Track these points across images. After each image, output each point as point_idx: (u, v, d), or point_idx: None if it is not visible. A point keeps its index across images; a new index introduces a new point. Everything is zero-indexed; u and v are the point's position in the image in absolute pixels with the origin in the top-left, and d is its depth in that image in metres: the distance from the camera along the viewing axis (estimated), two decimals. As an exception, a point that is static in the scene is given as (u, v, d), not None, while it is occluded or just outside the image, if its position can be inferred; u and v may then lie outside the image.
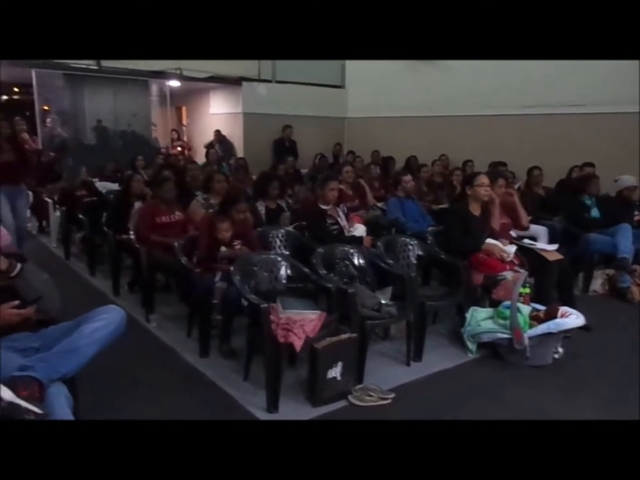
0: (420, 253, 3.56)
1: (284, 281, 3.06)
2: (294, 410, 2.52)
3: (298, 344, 2.47)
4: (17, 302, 1.95)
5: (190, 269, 3.21)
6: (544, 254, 3.60)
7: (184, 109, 11.25)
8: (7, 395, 1.55)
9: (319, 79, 9.30)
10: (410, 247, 3.56)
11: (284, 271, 3.08)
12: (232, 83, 8.88)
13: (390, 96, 8.63)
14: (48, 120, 7.81)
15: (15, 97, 12.11)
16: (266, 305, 2.52)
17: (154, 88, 9.08)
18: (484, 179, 3.57)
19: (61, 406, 1.68)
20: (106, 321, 1.93)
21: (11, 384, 1.60)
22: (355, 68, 9.42)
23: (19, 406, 1.54)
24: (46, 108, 8.56)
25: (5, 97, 11.91)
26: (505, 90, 7.09)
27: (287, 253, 3.49)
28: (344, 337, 2.61)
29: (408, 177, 4.63)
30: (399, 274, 3.18)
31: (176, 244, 3.38)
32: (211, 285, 2.99)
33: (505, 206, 3.81)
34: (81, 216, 4.90)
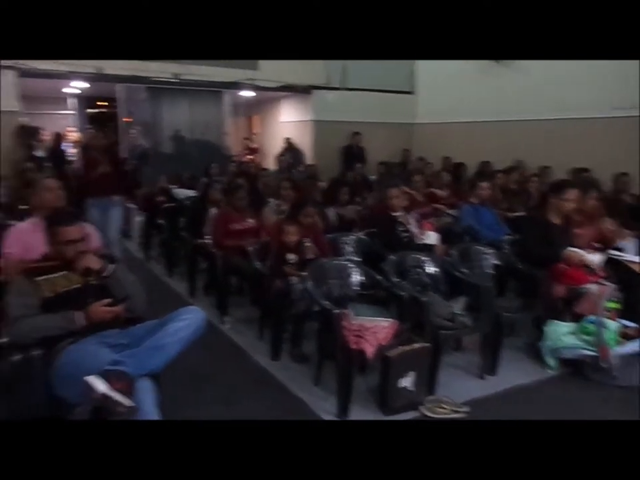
0: (496, 262, 3.44)
1: (355, 288, 3.06)
2: (364, 417, 2.51)
3: (370, 351, 2.46)
4: (108, 300, 2.09)
5: (263, 273, 3.29)
6: (633, 266, 3.36)
7: (255, 118, 11.59)
8: (102, 387, 1.65)
9: (388, 85, 9.26)
10: (485, 255, 3.45)
11: (355, 277, 3.08)
12: (302, 91, 9.04)
13: (461, 100, 8.43)
14: (131, 131, 8.30)
15: (100, 110, 13.00)
16: (338, 311, 2.53)
17: (227, 98, 9.42)
18: (573, 194, 3.36)
19: (148, 401, 1.77)
20: (188, 321, 2.01)
21: (104, 377, 1.71)
22: (426, 72, 9.29)
23: (112, 398, 1.63)
24: (128, 120, 9.13)
25: (90, 111, 12.82)
26: (586, 91, 6.69)
27: (358, 259, 3.49)
28: (417, 347, 2.56)
29: (485, 184, 4.47)
30: (474, 283, 3.09)
31: (250, 249, 3.48)
32: (284, 290, 3.04)
33: (589, 214, 3.60)
34: (160, 221, 5.16)
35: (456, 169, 7.08)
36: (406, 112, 9.54)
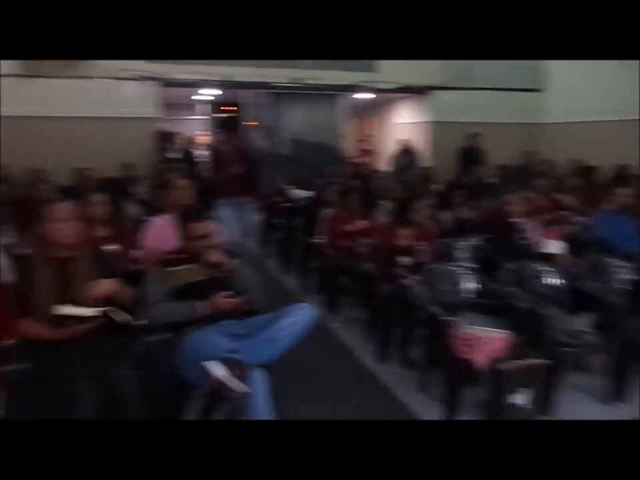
0: (632, 277, 3.10)
1: (468, 295, 2.95)
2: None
3: (480, 362, 2.36)
4: (229, 292, 2.25)
5: (372, 275, 3.30)
6: None
7: (370, 120, 11.66)
8: (220, 372, 1.79)
9: (512, 83, 8.77)
10: (618, 269, 3.12)
11: (469, 284, 2.96)
12: (419, 92, 8.91)
13: (593, 99, 7.70)
14: (253, 135, 8.80)
15: (227, 114, 13.95)
16: (449, 318, 2.47)
17: (343, 101, 9.60)
18: None
19: (261, 390, 1.88)
20: (301, 317, 2.10)
21: (222, 363, 1.84)
22: (555, 70, 8.65)
23: (228, 383, 1.76)
24: (251, 123, 9.70)
25: (218, 115, 13.81)
26: None
27: (473, 265, 3.36)
28: (535, 362, 2.40)
29: (626, 190, 4.04)
30: (603, 299, 2.82)
31: (361, 250, 3.52)
32: (394, 293, 3.03)
33: None
34: (277, 220, 5.41)
35: (586, 172, 6.49)
36: (528, 112, 8.96)
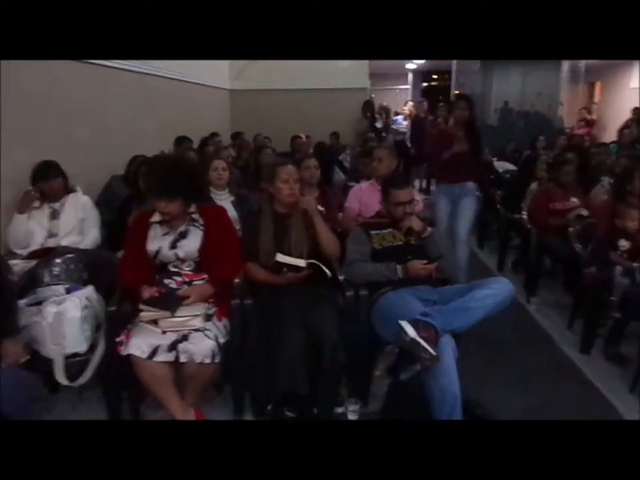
0: None
1: None
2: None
3: None
4: (424, 261, 2.30)
5: (583, 258, 3.00)
6: None
7: (598, 85, 10.22)
8: (412, 332, 1.87)
9: None
10: None
11: None
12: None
13: None
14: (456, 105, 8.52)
15: (433, 83, 13.70)
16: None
17: (566, 65, 8.59)
18: None
19: (449, 355, 1.91)
20: (497, 290, 2.05)
21: (414, 325, 1.92)
22: None
23: (419, 344, 1.84)
24: (457, 92, 9.36)
25: (425, 84, 13.65)
26: None
27: None
28: None
29: None
30: None
31: (571, 229, 3.21)
32: (608, 279, 2.72)
33: None
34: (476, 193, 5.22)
35: None
36: None
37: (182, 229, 2.21)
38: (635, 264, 2.56)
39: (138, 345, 1.94)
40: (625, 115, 8.19)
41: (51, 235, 2.73)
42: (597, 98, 10.24)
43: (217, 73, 6.95)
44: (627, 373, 2.58)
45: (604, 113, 9.77)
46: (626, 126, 7.55)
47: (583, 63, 8.47)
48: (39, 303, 2.16)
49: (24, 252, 2.64)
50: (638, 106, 7.89)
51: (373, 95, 8.53)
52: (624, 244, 2.79)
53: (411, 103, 10.38)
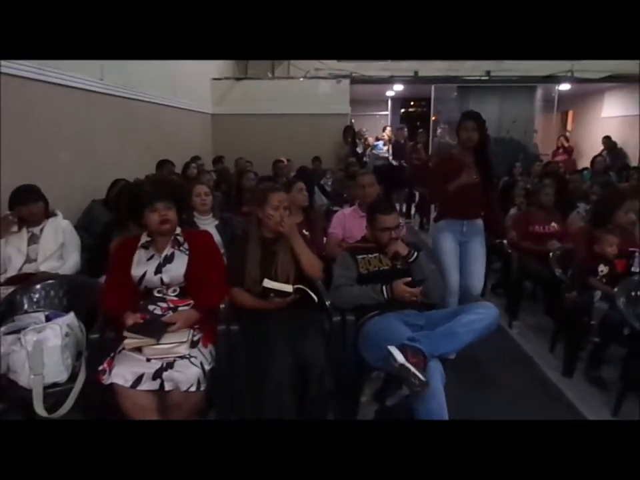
0: None
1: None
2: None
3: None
4: (409, 279, 2.31)
5: (563, 282, 3.06)
6: None
7: (570, 113, 10.58)
8: (400, 358, 1.87)
9: None
10: None
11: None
12: (634, 81, 7.79)
13: None
14: (438, 130, 8.71)
15: (411, 109, 13.99)
16: (657, 338, 2.18)
17: (540, 93, 8.88)
18: None
19: (437, 380, 1.91)
20: (483, 315, 2.06)
21: (402, 350, 1.92)
22: None
23: (408, 369, 1.83)
24: (434, 118, 9.58)
25: (403, 110, 13.92)
26: None
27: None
28: None
29: None
30: None
31: (551, 254, 3.28)
32: (588, 304, 2.77)
33: None
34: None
35: None
36: None
37: (167, 252, 2.18)
38: (614, 289, 2.61)
39: (121, 373, 1.89)
40: (596, 143, 8.48)
41: (30, 260, 2.66)
42: (569, 126, 10.59)
43: (199, 98, 7.00)
44: (609, 396, 2.61)
45: (576, 141, 10.11)
46: (599, 154, 7.83)
47: (556, 92, 8.77)
48: (18, 331, 2.09)
49: (1, 278, 2.56)
50: (608, 135, 8.19)
51: (353, 120, 8.66)
52: (602, 269, 2.86)
53: (389, 129, 10.59)
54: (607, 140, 8.15)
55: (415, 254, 2.41)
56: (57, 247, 2.74)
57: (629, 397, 2.49)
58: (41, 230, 2.73)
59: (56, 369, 2.04)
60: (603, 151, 8.01)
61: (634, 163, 7.35)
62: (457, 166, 2.98)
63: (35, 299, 2.35)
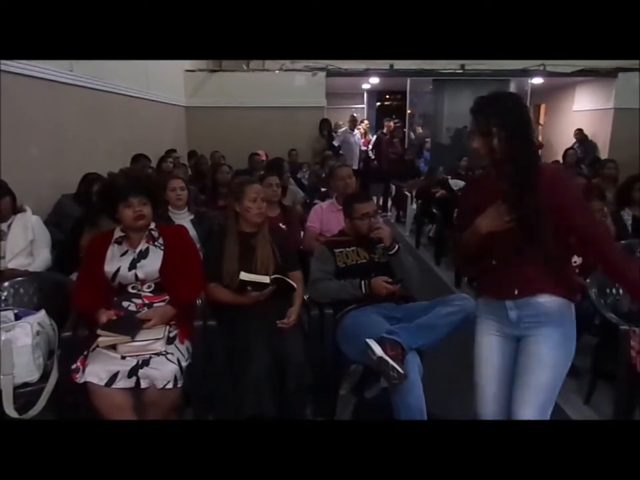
0: None
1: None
2: None
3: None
4: (387, 278, 2.32)
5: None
6: None
7: (543, 107, 10.76)
8: (379, 351, 1.87)
9: None
10: None
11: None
12: (605, 75, 7.96)
13: None
14: (414, 123, 8.76)
15: (387, 103, 14.02)
16: (627, 328, 2.23)
17: (514, 86, 8.98)
18: None
19: (414, 372, 1.92)
20: (460, 307, 2.08)
21: (380, 343, 1.93)
22: None
23: (387, 362, 1.84)
24: (409, 111, 9.63)
25: (378, 103, 13.95)
26: None
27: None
28: None
29: None
30: None
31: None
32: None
33: None
34: (434, 210, 5.35)
35: None
36: None
37: (141, 247, 2.13)
38: (586, 280, 2.66)
39: (95, 371, 1.85)
40: (567, 136, 8.64)
41: (-3, 257, 2.58)
42: (542, 120, 10.77)
43: (172, 90, 6.86)
44: (581, 385, 2.67)
45: (548, 134, 10.29)
46: (570, 147, 7.97)
47: (528, 86, 8.89)
48: (-15, 331, 2.02)
49: (-33, 276, 2.48)
50: (580, 127, 8.35)
51: (331, 114, 8.62)
52: (576, 259, 2.91)
53: (366, 122, 10.58)
54: (579, 132, 8.30)
55: (396, 247, 2.40)
56: (25, 243, 2.65)
57: (600, 385, 2.56)
58: (9, 226, 2.64)
59: (27, 368, 1.98)
60: (574, 144, 8.17)
61: (604, 156, 7.52)
62: (484, 197, 1.65)
63: (2, 297, 2.28)
